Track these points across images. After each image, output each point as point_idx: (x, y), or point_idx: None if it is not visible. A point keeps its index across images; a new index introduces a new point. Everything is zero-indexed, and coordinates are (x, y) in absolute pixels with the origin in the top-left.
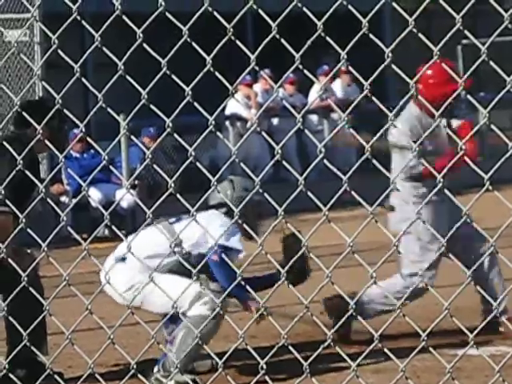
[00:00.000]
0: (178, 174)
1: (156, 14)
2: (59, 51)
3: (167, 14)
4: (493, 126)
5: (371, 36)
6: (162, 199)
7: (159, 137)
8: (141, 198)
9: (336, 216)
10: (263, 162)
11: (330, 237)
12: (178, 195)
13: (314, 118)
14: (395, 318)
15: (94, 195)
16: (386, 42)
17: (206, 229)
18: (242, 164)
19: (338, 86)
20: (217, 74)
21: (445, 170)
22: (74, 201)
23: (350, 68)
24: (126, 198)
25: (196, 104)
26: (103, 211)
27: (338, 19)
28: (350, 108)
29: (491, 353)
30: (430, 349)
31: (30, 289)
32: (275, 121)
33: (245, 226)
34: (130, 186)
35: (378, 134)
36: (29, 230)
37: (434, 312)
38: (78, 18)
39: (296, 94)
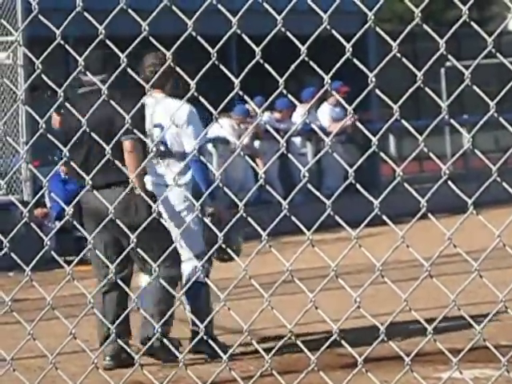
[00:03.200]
0: (162, 197)
1: (140, 38)
2: (43, 75)
3: (151, 38)
4: (476, 150)
5: (355, 60)
6: (146, 222)
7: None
8: None
9: (320, 238)
10: (248, 185)
11: (313, 259)
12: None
13: (297, 140)
14: (379, 342)
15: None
16: (371, 63)
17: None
18: (225, 188)
19: (325, 109)
20: (200, 98)
21: None
22: (58, 225)
23: (334, 93)
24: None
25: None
26: (86, 235)
27: (322, 42)
28: (334, 132)
29: (475, 376)
30: (414, 373)
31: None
32: (257, 144)
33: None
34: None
35: (363, 158)
36: (12, 254)
37: (417, 335)
38: (62, 42)
39: (286, 120)
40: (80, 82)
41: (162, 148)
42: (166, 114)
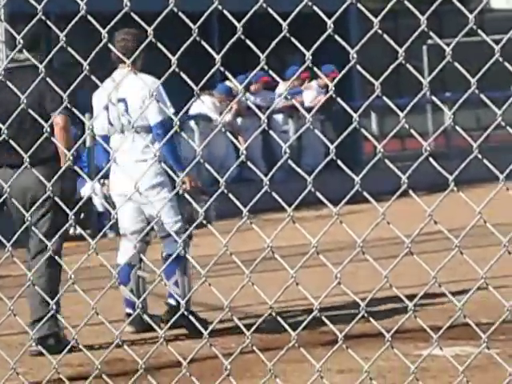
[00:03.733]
0: (144, 172)
1: (121, 14)
2: (24, 51)
3: (132, 14)
4: (457, 127)
5: (336, 37)
6: (128, 197)
7: None
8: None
9: (301, 216)
10: (229, 162)
11: (294, 237)
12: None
13: (279, 117)
14: (360, 319)
15: None
16: (352, 41)
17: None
18: (206, 164)
19: (313, 89)
20: (182, 74)
21: None
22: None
23: (315, 69)
24: (99, 194)
25: (161, 105)
26: (67, 211)
27: (304, 19)
28: (315, 109)
29: (456, 353)
30: (395, 350)
31: None
32: (239, 120)
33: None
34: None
35: (344, 134)
36: None
37: (398, 311)
38: (43, 17)
39: (261, 91)
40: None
41: (126, 122)
42: (130, 88)
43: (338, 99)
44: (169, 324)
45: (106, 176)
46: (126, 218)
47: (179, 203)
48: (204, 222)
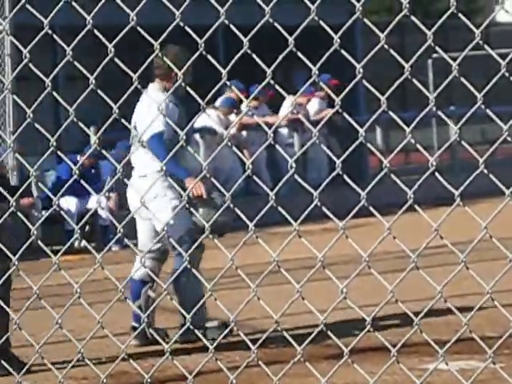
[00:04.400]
0: (149, 187)
1: (128, 28)
2: (30, 65)
3: (138, 28)
4: (463, 142)
5: (342, 51)
6: (133, 213)
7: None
8: (112, 210)
9: (306, 229)
10: (235, 175)
11: (300, 250)
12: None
13: (284, 131)
14: (365, 333)
15: (72, 207)
16: (358, 55)
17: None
18: (212, 178)
19: (315, 102)
20: (188, 89)
21: None
22: (45, 214)
23: (322, 84)
24: (105, 207)
25: (167, 119)
26: (73, 225)
27: (309, 33)
28: (322, 123)
29: (461, 367)
30: (400, 364)
31: None
32: (245, 134)
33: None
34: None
35: (350, 149)
36: None
37: (403, 326)
38: (49, 31)
39: (261, 107)
40: None
41: (133, 137)
42: (139, 103)
43: (344, 114)
44: (174, 338)
45: (111, 190)
46: (145, 237)
47: (188, 214)
48: (218, 231)
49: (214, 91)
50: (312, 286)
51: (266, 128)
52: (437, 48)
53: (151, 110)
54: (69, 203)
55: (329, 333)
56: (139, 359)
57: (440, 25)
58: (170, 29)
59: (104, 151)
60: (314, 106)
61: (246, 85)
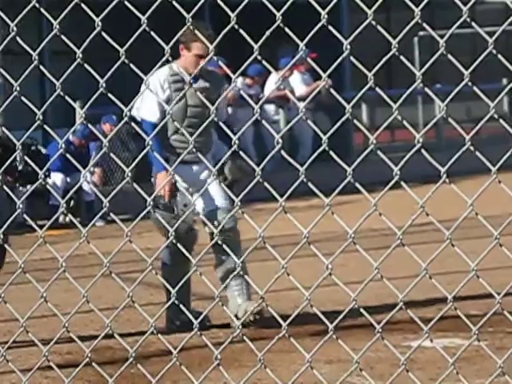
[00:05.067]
0: (135, 162)
1: (114, 2)
2: (18, 39)
3: (126, 2)
4: (450, 119)
5: (330, 28)
6: (118, 188)
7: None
8: (97, 185)
9: (292, 206)
10: (221, 152)
11: (285, 227)
12: (134, 184)
13: (270, 107)
14: (350, 310)
15: (58, 182)
16: (344, 32)
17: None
18: (199, 153)
19: (297, 77)
20: (173, 64)
21: None
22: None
23: (309, 60)
24: (90, 182)
25: (153, 92)
26: (59, 199)
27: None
28: (309, 99)
29: (444, 345)
30: (385, 341)
31: None
32: (231, 111)
33: None
34: (89, 172)
35: (337, 125)
36: None
37: (388, 303)
38: (37, 5)
39: (254, 87)
40: None
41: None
42: None
43: (332, 90)
44: (158, 314)
45: (96, 165)
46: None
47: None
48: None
49: (200, 67)
50: (297, 262)
51: (253, 103)
52: (424, 25)
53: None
54: (55, 178)
55: (314, 309)
56: (123, 334)
57: (426, 2)
58: (156, 4)
59: (90, 125)
60: (295, 80)
61: (232, 61)
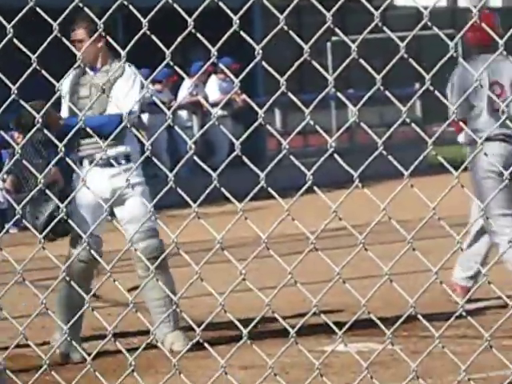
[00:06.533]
0: (47, 169)
1: (26, 8)
2: None
3: (38, 8)
4: (362, 124)
5: (242, 33)
6: (30, 195)
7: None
8: (9, 192)
9: (205, 211)
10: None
11: (199, 233)
12: (47, 190)
13: (183, 113)
14: (264, 314)
15: None
16: (257, 38)
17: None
18: (112, 160)
19: (213, 82)
20: (87, 69)
21: None
22: None
23: (221, 65)
24: (2, 190)
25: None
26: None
27: (208, 15)
28: (221, 104)
29: (359, 349)
30: (299, 345)
31: None
32: (145, 117)
33: None
34: (1, 179)
35: (250, 130)
36: None
37: (302, 308)
38: None
39: (164, 91)
40: None
41: None
42: None
43: (244, 95)
44: (72, 321)
45: (9, 172)
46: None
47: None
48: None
49: (114, 71)
50: (211, 268)
51: (166, 109)
52: (336, 29)
53: None
54: None
55: (228, 314)
56: (37, 341)
57: (338, 7)
58: (69, 9)
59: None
60: (212, 85)
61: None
